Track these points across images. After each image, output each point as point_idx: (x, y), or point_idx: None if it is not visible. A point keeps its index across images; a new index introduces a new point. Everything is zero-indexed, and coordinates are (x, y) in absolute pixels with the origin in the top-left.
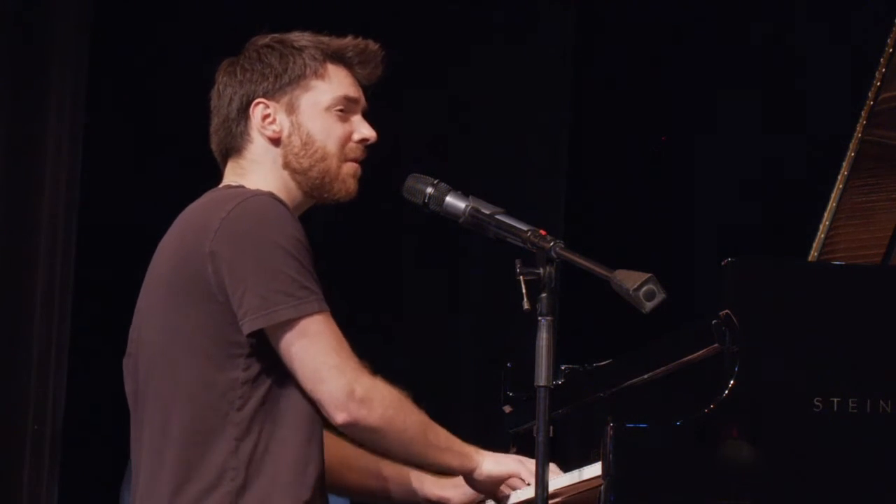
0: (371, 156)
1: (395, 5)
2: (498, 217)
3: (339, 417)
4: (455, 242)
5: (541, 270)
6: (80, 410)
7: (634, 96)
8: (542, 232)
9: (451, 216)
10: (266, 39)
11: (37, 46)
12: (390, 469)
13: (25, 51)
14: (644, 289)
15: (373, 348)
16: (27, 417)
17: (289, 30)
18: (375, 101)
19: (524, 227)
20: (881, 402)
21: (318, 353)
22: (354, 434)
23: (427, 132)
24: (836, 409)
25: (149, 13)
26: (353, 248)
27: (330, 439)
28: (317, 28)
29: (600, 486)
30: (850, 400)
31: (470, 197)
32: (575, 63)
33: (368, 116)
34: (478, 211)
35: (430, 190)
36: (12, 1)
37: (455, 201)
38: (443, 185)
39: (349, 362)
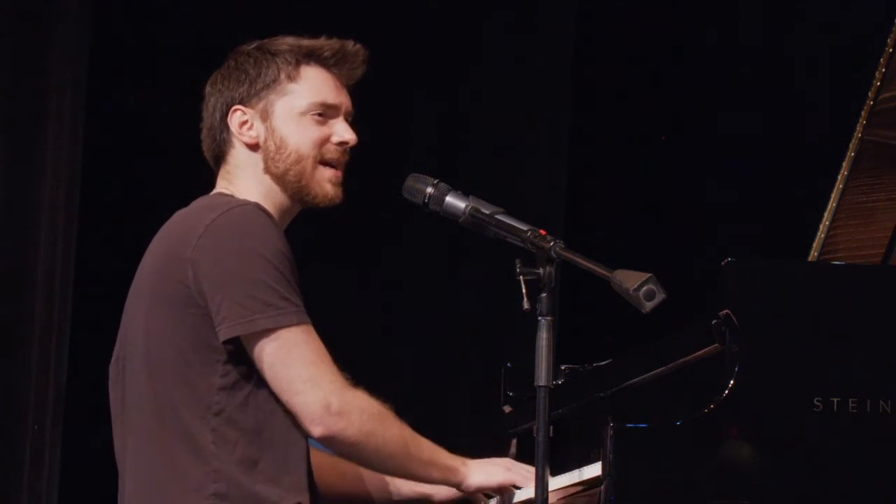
0: (371, 156)
1: (396, 5)
2: (498, 217)
3: (316, 431)
4: (455, 242)
5: (541, 270)
6: (80, 410)
7: (634, 96)
8: (542, 232)
9: (451, 216)
10: (249, 47)
11: (37, 47)
12: (369, 471)
13: (25, 51)
14: (644, 289)
15: (373, 348)
16: (27, 417)
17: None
18: (375, 102)
19: (524, 227)
20: (881, 402)
21: (293, 364)
22: (333, 447)
23: (427, 132)
24: (836, 409)
25: (149, 12)
26: (353, 248)
27: None
28: (314, 31)
29: (600, 486)
30: (850, 400)
31: (470, 197)
32: (575, 63)
33: (356, 118)
34: (478, 211)
35: (430, 190)
36: (12, 1)
37: (455, 201)
38: (443, 184)
39: (326, 375)
